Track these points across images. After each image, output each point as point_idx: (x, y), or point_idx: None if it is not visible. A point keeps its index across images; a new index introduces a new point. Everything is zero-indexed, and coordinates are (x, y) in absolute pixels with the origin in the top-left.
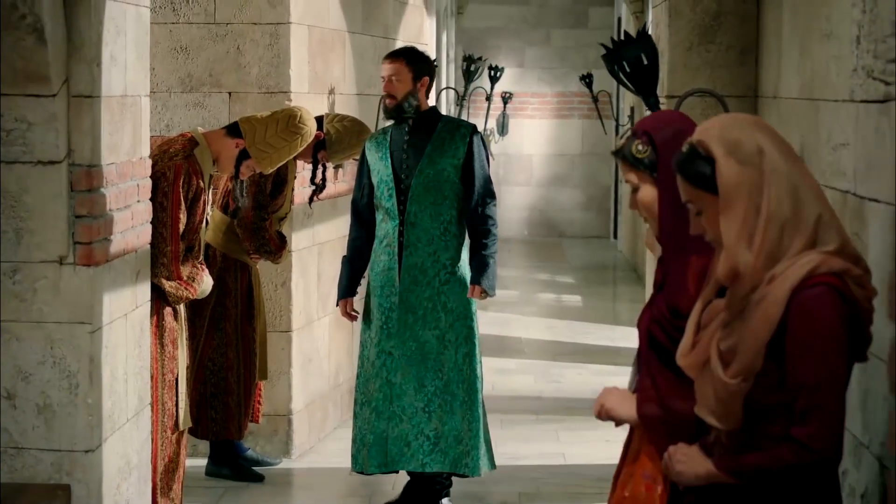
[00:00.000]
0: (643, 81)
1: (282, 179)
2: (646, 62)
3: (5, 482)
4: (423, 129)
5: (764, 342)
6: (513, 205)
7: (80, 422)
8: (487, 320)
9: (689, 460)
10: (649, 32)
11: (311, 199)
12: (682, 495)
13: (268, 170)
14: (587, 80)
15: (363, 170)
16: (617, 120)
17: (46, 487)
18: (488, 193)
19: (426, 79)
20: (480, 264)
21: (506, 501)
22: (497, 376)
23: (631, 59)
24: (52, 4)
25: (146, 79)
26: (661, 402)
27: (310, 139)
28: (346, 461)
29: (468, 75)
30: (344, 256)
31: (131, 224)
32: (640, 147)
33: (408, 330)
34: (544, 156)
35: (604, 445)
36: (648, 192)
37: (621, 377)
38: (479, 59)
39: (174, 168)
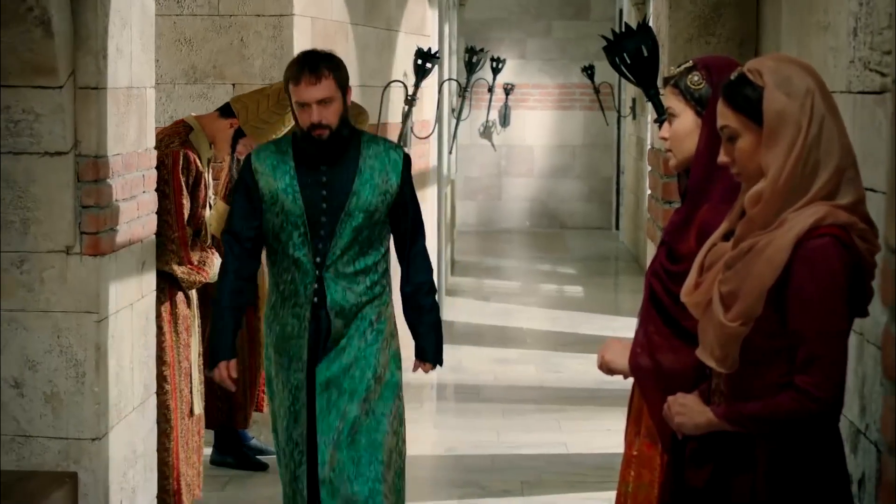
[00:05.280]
0: (644, 73)
1: None
2: (646, 54)
3: (13, 469)
4: (344, 153)
5: (766, 288)
6: (514, 196)
7: (87, 410)
8: (489, 311)
9: (688, 410)
10: (650, 24)
11: None
12: (683, 444)
13: None
14: (589, 71)
15: (251, 193)
16: (619, 111)
17: (54, 475)
18: (421, 226)
19: (349, 88)
20: (428, 332)
21: (507, 489)
22: (499, 366)
23: (631, 51)
24: None
25: (151, 70)
26: (652, 354)
27: None
28: None
29: (470, 67)
30: (216, 300)
31: (137, 214)
32: (696, 79)
33: (332, 408)
34: (546, 147)
35: (605, 434)
36: (686, 124)
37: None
38: (481, 50)
39: (171, 155)
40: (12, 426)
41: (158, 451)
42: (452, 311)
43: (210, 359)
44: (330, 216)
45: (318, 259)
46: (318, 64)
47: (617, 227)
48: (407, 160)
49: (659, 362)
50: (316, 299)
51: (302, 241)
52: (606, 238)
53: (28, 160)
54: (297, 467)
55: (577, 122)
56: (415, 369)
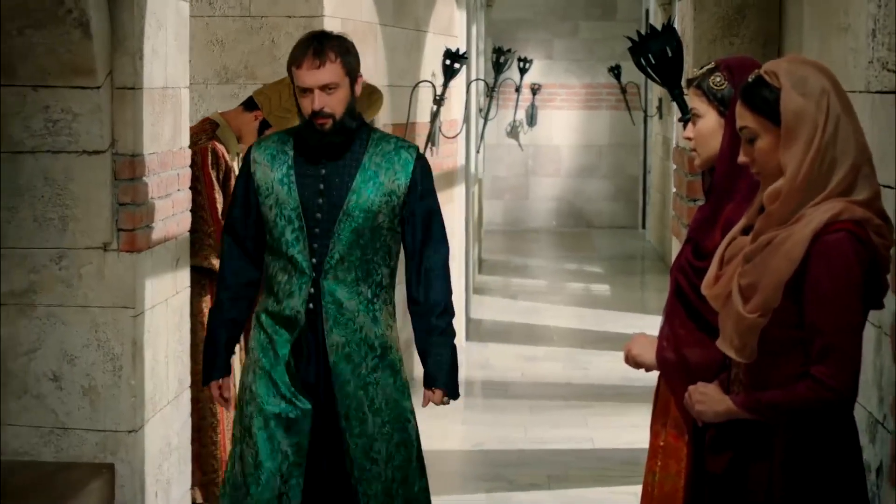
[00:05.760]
0: (668, 73)
1: None
2: (670, 55)
3: (52, 461)
4: (348, 147)
5: (783, 281)
6: (541, 196)
7: (124, 403)
8: (517, 309)
9: (708, 399)
10: (675, 25)
11: None
12: (703, 432)
13: None
14: (615, 71)
15: (249, 185)
16: (645, 111)
17: (92, 466)
18: (439, 238)
19: (360, 76)
20: (439, 356)
21: (535, 483)
22: (526, 363)
23: (656, 51)
24: None
25: (186, 71)
26: (677, 348)
27: None
28: None
29: (498, 67)
30: (214, 312)
31: (172, 212)
32: (718, 79)
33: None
34: (573, 147)
35: (631, 430)
36: (710, 124)
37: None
38: (509, 51)
39: (200, 152)
40: (51, 419)
41: (206, 444)
42: (480, 309)
43: (203, 375)
44: (327, 214)
45: (314, 260)
46: (324, 46)
47: (643, 227)
48: (420, 160)
49: (684, 356)
50: (311, 305)
51: (296, 237)
52: (633, 237)
53: (67, 159)
54: (282, 483)
55: (604, 121)
56: (424, 402)
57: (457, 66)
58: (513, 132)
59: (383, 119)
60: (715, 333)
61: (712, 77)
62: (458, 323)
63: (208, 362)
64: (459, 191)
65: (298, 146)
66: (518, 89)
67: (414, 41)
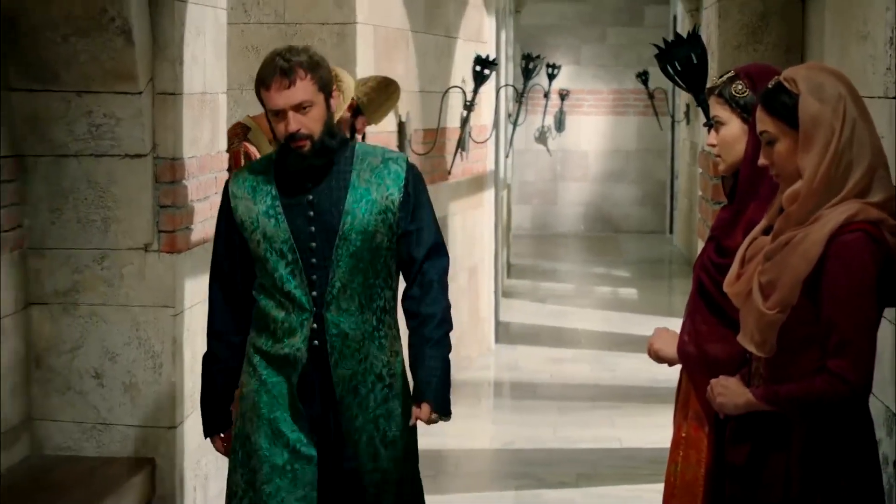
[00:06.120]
0: (693, 79)
1: None
2: (695, 61)
3: (94, 456)
4: (331, 166)
5: (801, 279)
6: (569, 200)
7: (164, 400)
8: (545, 312)
9: (729, 392)
10: (700, 32)
11: None
12: (724, 424)
13: None
14: (643, 77)
15: (230, 224)
16: (672, 116)
17: (132, 461)
18: (438, 249)
19: (335, 89)
20: (429, 368)
21: (563, 481)
22: (554, 365)
23: (682, 58)
24: (139, 8)
25: (223, 77)
26: (698, 343)
27: (351, 94)
28: None
29: (527, 73)
30: (209, 360)
31: (210, 214)
32: (739, 87)
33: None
34: (600, 152)
35: (658, 430)
36: (733, 130)
37: (676, 367)
38: (538, 57)
39: (233, 155)
40: (93, 414)
41: None
42: (509, 312)
43: (204, 426)
44: (322, 242)
45: (314, 293)
46: (291, 63)
47: (671, 231)
48: (411, 170)
49: (706, 350)
50: (316, 342)
51: (291, 271)
52: (660, 242)
53: (109, 162)
54: None
55: (632, 127)
56: (413, 419)
57: (487, 72)
58: (541, 137)
59: (415, 125)
60: (736, 329)
61: (734, 85)
62: (487, 327)
63: (209, 413)
64: (489, 195)
65: (279, 174)
66: (546, 95)
67: (444, 47)
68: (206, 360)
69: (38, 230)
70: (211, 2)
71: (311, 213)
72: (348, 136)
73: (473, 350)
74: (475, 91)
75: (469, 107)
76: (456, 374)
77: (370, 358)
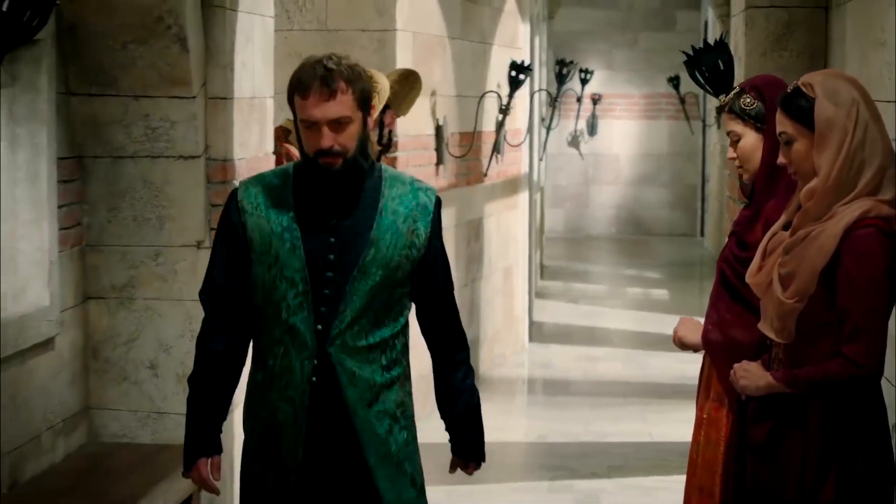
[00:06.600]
0: (720, 85)
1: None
2: (722, 67)
3: (150, 443)
4: (359, 190)
5: (818, 270)
6: (601, 203)
7: None
8: (578, 312)
9: (751, 375)
10: (728, 39)
11: (378, 158)
12: (745, 405)
13: None
14: (674, 81)
15: (236, 240)
16: (703, 121)
17: None
18: (451, 283)
19: (373, 106)
20: (467, 422)
21: (595, 472)
22: (586, 363)
23: (709, 64)
24: (193, 16)
25: (270, 82)
26: (723, 330)
27: (386, 94)
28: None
29: (560, 78)
30: (194, 380)
31: None
32: (748, 100)
33: None
34: (632, 156)
35: (688, 425)
36: (750, 141)
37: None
38: (571, 62)
39: (275, 156)
40: (148, 404)
41: None
42: (542, 312)
43: (185, 455)
44: (338, 272)
45: (319, 327)
46: (334, 73)
47: (702, 234)
48: (439, 205)
49: (730, 336)
50: (315, 378)
51: (300, 303)
52: (691, 244)
53: (164, 163)
54: None
55: (663, 131)
56: (452, 469)
57: (521, 77)
58: (574, 141)
59: (452, 128)
60: (756, 317)
61: (742, 99)
62: (521, 327)
63: (192, 440)
64: (523, 198)
65: (299, 191)
66: (579, 99)
67: (480, 53)
68: (194, 381)
69: (96, 228)
70: (259, 10)
71: (332, 240)
72: (378, 132)
73: (508, 348)
74: (510, 96)
75: (504, 111)
76: (489, 371)
77: (381, 398)
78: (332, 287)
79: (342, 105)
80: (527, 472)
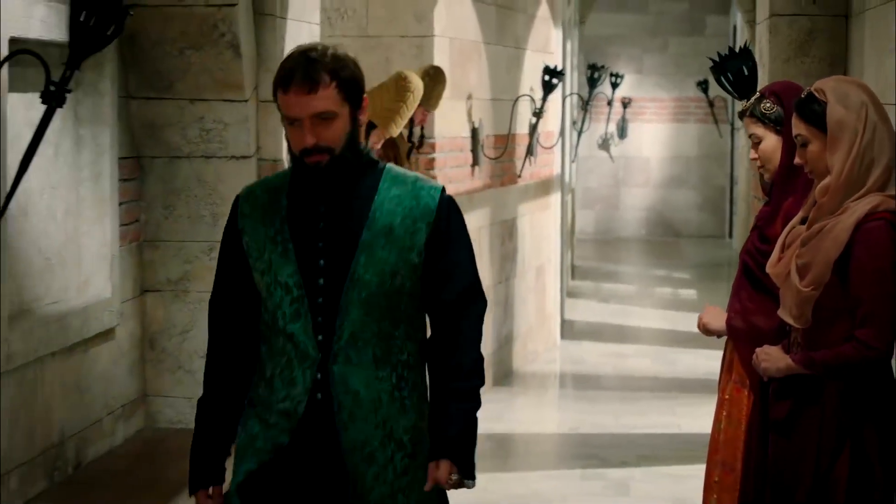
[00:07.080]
0: (744, 89)
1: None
2: (746, 73)
3: None
4: (353, 190)
5: (832, 260)
6: (631, 205)
7: None
8: (608, 311)
9: (772, 358)
10: (752, 46)
11: (408, 154)
12: (767, 386)
13: (395, 132)
14: (703, 85)
15: (237, 246)
16: (732, 124)
17: None
18: (472, 292)
19: (366, 101)
20: (452, 420)
21: (625, 461)
22: (616, 359)
23: (734, 70)
24: (246, 24)
25: None
26: (745, 317)
27: (420, 94)
28: None
29: (591, 82)
30: (201, 405)
31: None
32: (768, 105)
33: None
34: (662, 158)
35: None
36: (771, 143)
37: None
38: (602, 67)
39: None
40: (201, 391)
41: None
42: (574, 311)
43: (190, 479)
44: (330, 280)
45: (320, 338)
46: (316, 65)
47: (730, 236)
48: (444, 203)
49: (752, 322)
50: (320, 395)
51: (296, 310)
52: (720, 246)
53: (217, 163)
54: None
55: (692, 134)
56: (429, 483)
57: (554, 81)
58: (604, 144)
59: (487, 130)
60: (776, 305)
61: (762, 104)
62: (553, 324)
63: (199, 463)
64: (555, 199)
65: (293, 193)
66: (610, 103)
67: (514, 58)
68: (203, 404)
69: (153, 224)
70: (306, 18)
71: (321, 244)
72: (408, 130)
73: (540, 345)
74: (543, 99)
75: (537, 114)
76: (523, 366)
77: (389, 422)
78: (326, 296)
79: (325, 99)
80: (559, 460)
